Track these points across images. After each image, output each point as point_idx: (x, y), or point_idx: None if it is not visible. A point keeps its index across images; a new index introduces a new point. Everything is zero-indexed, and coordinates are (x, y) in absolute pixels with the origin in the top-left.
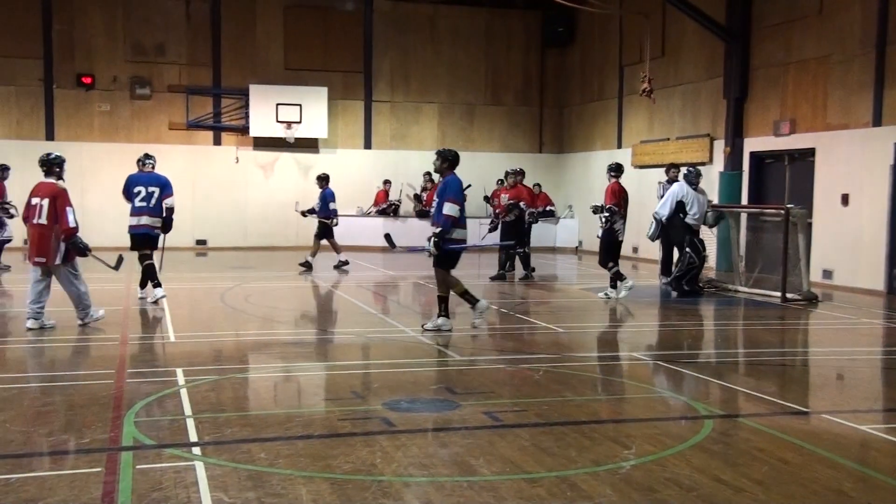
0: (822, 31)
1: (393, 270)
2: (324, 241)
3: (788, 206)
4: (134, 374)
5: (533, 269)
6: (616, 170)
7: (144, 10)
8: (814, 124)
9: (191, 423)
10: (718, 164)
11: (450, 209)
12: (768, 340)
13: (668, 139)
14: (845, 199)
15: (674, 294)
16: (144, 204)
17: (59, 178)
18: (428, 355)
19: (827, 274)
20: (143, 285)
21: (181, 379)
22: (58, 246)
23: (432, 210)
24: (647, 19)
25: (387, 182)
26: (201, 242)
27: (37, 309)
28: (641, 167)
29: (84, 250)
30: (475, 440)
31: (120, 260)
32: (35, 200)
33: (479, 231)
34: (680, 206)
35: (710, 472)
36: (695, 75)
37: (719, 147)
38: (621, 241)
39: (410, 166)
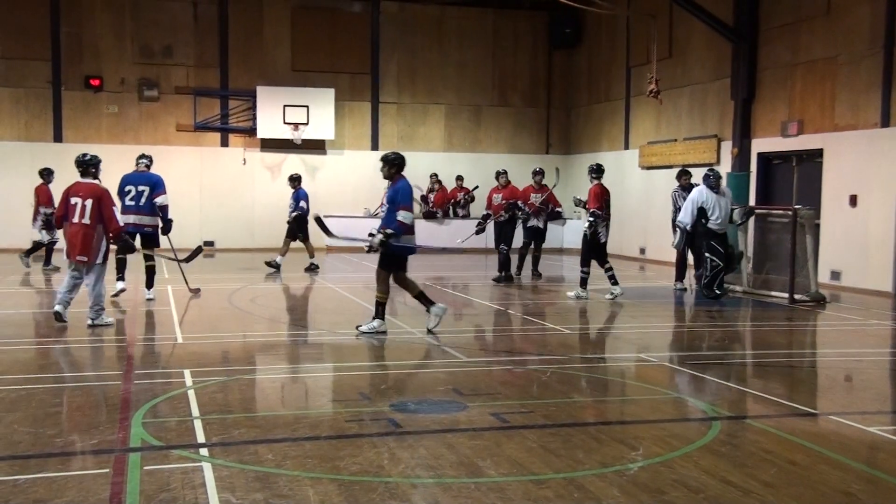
0: (830, 32)
1: None
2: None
3: (796, 206)
4: (142, 375)
5: (520, 274)
6: (597, 171)
7: (152, 13)
8: (822, 125)
9: (198, 425)
10: (726, 165)
11: (405, 217)
12: (776, 342)
13: (676, 140)
14: (853, 200)
15: (677, 289)
16: (133, 203)
17: (96, 178)
18: (435, 356)
19: (835, 275)
20: (148, 286)
21: (189, 380)
22: (99, 245)
23: (389, 213)
24: (654, 20)
25: None
26: (209, 244)
27: (68, 298)
28: (649, 168)
29: (133, 247)
30: (482, 441)
31: (197, 251)
32: (75, 200)
33: (466, 232)
34: (702, 212)
35: (717, 473)
36: (702, 76)
37: (727, 148)
38: (604, 243)
39: (417, 168)
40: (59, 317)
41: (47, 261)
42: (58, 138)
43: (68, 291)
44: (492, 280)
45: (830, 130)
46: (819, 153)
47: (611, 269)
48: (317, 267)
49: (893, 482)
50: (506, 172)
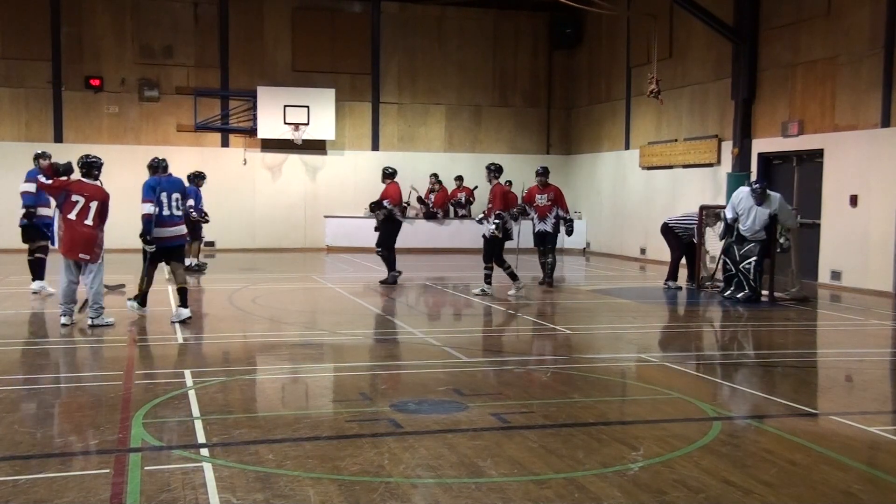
0: (831, 32)
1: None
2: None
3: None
4: (142, 375)
5: (398, 273)
6: (497, 171)
7: (152, 13)
8: (822, 125)
9: (199, 425)
10: (726, 166)
11: (143, 208)
12: (776, 342)
13: (676, 140)
14: (854, 201)
15: (670, 287)
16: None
17: (97, 179)
18: (435, 357)
19: (835, 275)
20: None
21: (189, 380)
22: (101, 245)
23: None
24: (654, 20)
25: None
26: (209, 244)
27: (71, 308)
28: (649, 168)
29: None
30: (483, 442)
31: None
32: (77, 198)
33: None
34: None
35: (718, 473)
36: (703, 76)
37: (727, 148)
38: (510, 239)
39: (418, 168)
40: (66, 327)
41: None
42: (58, 139)
43: (68, 301)
44: (380, 281)
45: (831, 131)
46: (819, 153)
47: (509, 267)
48: (200, 267)
49: (894, 482)
50: (384, 170)
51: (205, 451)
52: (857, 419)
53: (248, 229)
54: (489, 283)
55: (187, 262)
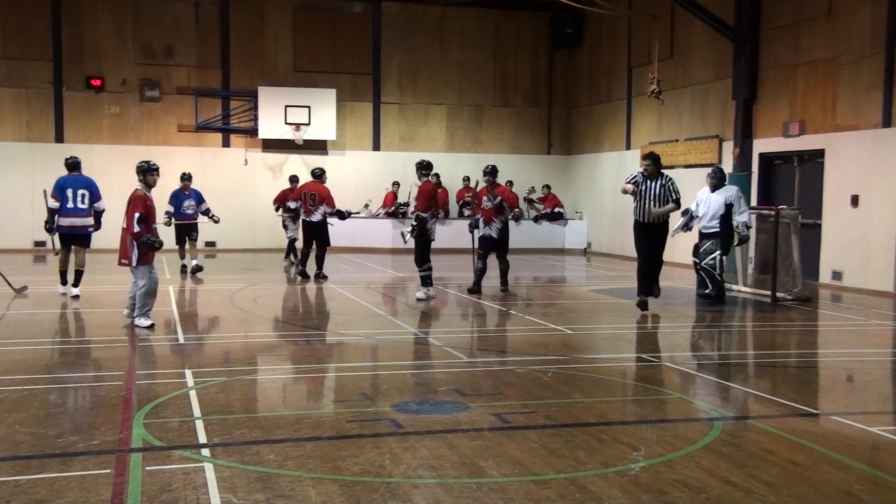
0: (832, 32)
1: (401, 272)
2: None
3: (780, 206)
4: (143, 375)
5: (307, 275)
6: (426, 168)
7: (153, 13)
8: (823, 125)
9: (200, 425)
10: (727, 166)
11: (49, 203)
12: (777, 342)
13: (677, 140)
14: (855, 201)
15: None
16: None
17: (144, 182)
18: (436, 357)
19: (836, 275)
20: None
21: (190, 380)
22: (133, 248)
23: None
24: (655, 20)
25: (395, 184)
26: (210, 244)
27: (143, 301)
28: None
29: (153, 244)
30: (484, 442)
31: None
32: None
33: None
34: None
35: (719, 473)
36: (704, 76)
37: (728, 148)
38: (433, 241)
39: None
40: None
41: (287, 255)
42: (59, 139)
43: (147, 295)
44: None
45: (832, 131)
46: (820, 153)
47: (429, 268)
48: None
49: (895, 482)
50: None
51: (206, 452)
52: (858, 419)
53: (248, 229)
54: (429, 284)
55: (191, 262)
